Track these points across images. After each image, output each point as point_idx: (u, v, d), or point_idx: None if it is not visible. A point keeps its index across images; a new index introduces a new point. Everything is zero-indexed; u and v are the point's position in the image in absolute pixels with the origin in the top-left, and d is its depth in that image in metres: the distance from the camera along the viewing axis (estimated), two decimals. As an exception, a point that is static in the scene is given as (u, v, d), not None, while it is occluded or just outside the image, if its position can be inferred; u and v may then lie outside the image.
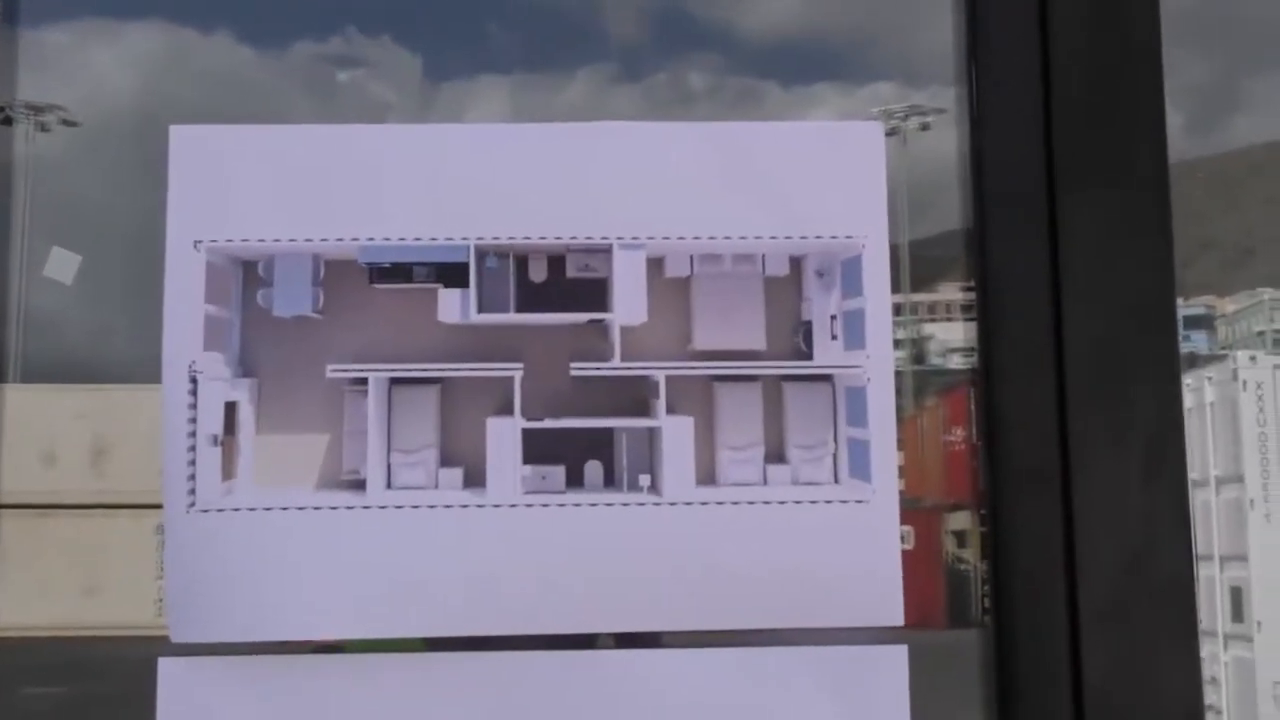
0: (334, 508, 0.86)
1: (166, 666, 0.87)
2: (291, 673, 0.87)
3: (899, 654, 0.88)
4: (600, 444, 0.90)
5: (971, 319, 0.97)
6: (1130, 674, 0.90)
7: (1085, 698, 0.90)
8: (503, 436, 0.87)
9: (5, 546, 0.94)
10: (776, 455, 0.91)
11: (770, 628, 0.87)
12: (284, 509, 0.86)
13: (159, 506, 0.95)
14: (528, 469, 0.87)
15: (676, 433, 0.88)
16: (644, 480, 0.88)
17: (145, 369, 0.95)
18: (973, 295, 0.98)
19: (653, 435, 0.89)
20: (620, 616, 0.86)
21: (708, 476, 0.89)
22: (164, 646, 0.88)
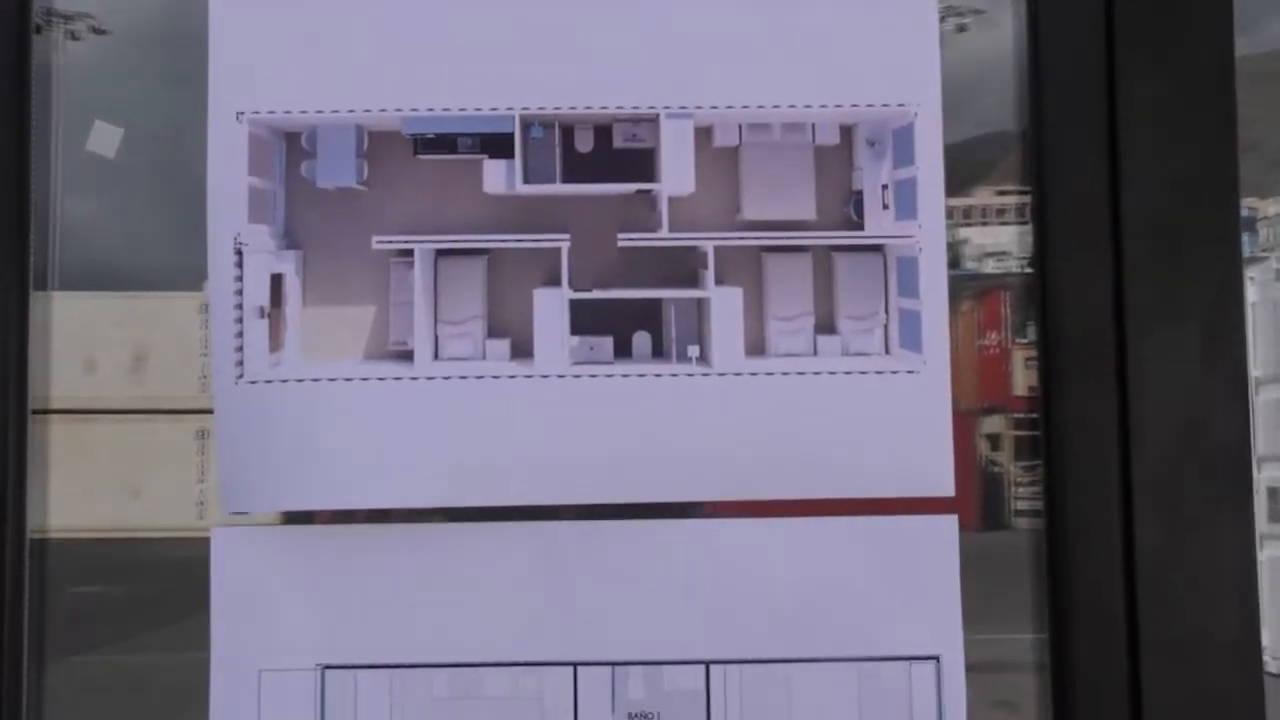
0: (381, 379, 0.86)
1: (219, 537, 0.88)
2: (341, 541, 0.87)
3: (949, 524, 0.88)
4: (648, 315, 0.89)
5: (1006, 223, 0.96)
6: (1183, 545, 0.89)
7: (1137, 569, 0.89)
8: (550, 307, 0.86)
9: (50, 451, 0.95)
10: (826, 326, 0.90)
11: (819, 497, 0.87)
12: (332, 380, 0.86)
13: (198, 411, 0.95)
14: (575, 340, 0.87)
15: (725, 303, 0.87)
16: (693, 351, 0.88)
17: (180, 276, 0.95)
18: (1008, 200, 0.96)
19: (701, 306, 0.88)
20: (668, 486, 0.86)
21: (757, 347, 0.88)
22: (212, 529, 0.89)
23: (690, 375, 0.86)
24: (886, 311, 0.89)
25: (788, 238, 0.89)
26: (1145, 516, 0.89)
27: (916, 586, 0.87)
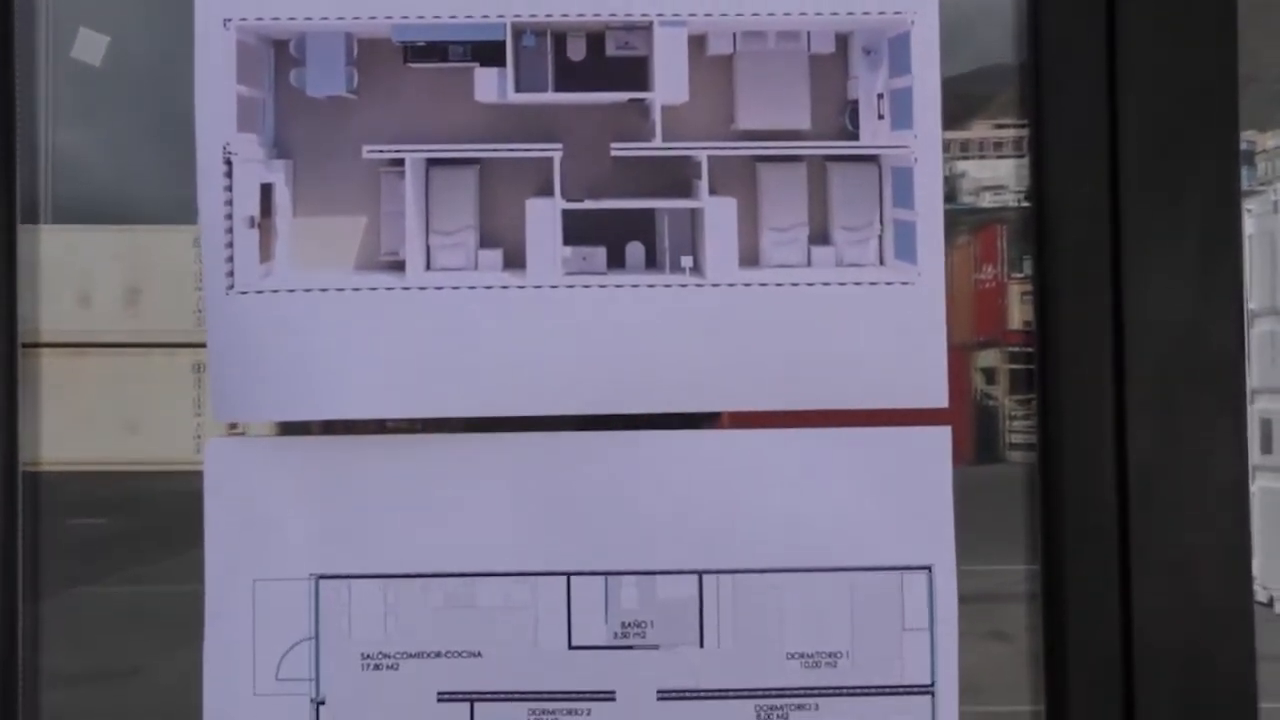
0: (373, 289, 0.85)
1: (213, 448, 0.88)
2: (334, 452, 0.87)
3: (943, 435, 0.88)
4: (642, 225, 0.89)
5: (1004, 157, 0.95)
6: (1177, 464, 0.89)
7: (1130, 491, 0.89)
8: (542, 217, 0.86)
9: (44, 384, 0.95)
10: (821, 237, 0.89)
11: (813, 408, 0.87)
12: (323, 290, 0.85)
13: (194, 345, 0.94)
14: (568, 250, 0.86)
15: (719, 214, 0.86)
16: (686, 261, 0.87)
17: (174, 209, 0.94)
18: (1006, 133, 0.95)
19: (695, 216, 0.88)
20: (661, 397, 0.86)
21: (751, 258, 0.88)
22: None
23: (684, 286, 0.86)
24: (881, 222, 0.89)
25: (782, 147, 0.88)
26: (1139, 435, 0.89)
27: (909, 497, 0.87)
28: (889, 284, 0.87)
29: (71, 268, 0.99)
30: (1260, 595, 0.93)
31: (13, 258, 0.92)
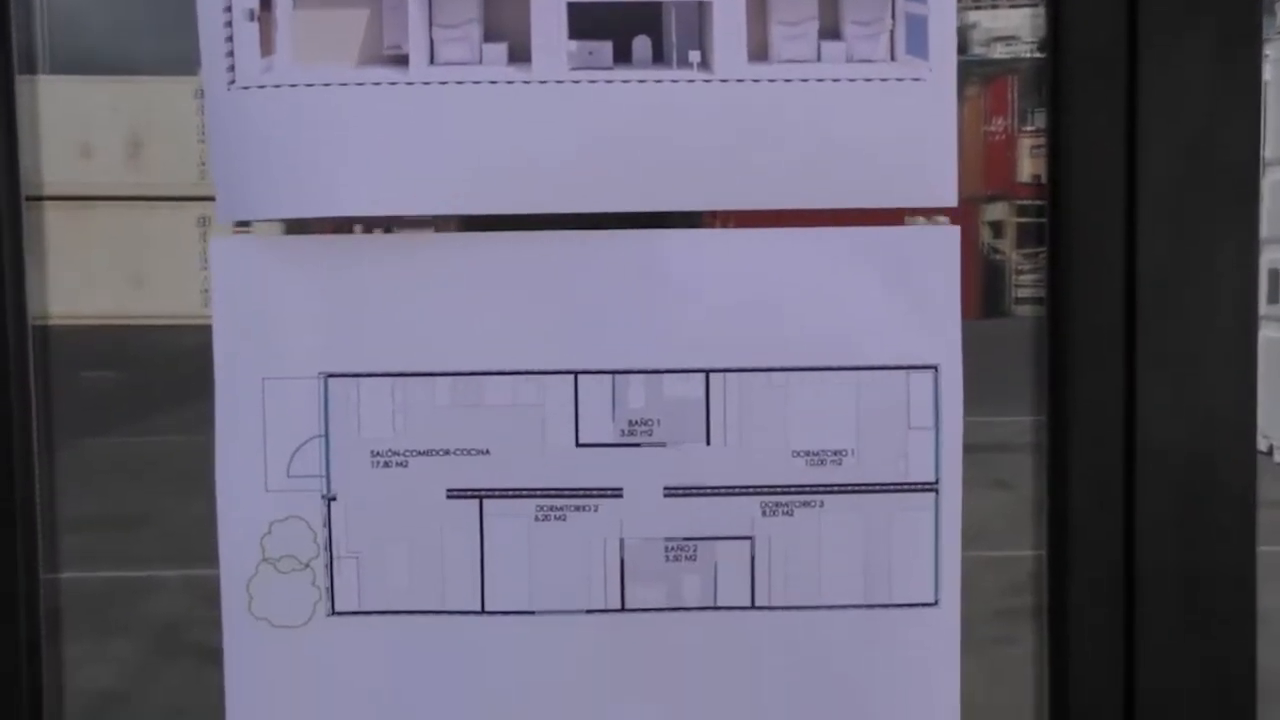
0: (376, 83, 0.84)
1: (218, 248, 0.88)
2: (341, 251, 0.87)
3: (951, 235, 0.88)
4: (649, 19, 0.87)
5: (1017, 6, 0.93)
6: (1186, 264, 0.89)
7: (1139, 289, 0.89)
8: (548, 10, 0.84)
9: (48, 238, 0.94)
10: (831, 31, 0.87)
11: (821, 207, 0.86)
12: (325, 85, 0.84)
13: (199, 199, 0.93)
14: (574, 44, 0.85)
15: (727, 7, 0.85)
16: (694, 56, 0.85)
17: (174, 61, 0.92)
18: None
19: (703, 10, 0.86)
20: (668, 195, 0.85)
21: (760, 53, 0.86)
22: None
23: (691, 81, 0.85)
24: (893, 16, 0.87)
25: (793, -62, 0.86)
26: (1149, 250, 0.88)
27: (917, 297, 0.87)
28: (900, 80, 0.85)
29: (71, 119, 0.98)
30: (1260, 444, 0.93)
31: (12, 109, 0.90)
